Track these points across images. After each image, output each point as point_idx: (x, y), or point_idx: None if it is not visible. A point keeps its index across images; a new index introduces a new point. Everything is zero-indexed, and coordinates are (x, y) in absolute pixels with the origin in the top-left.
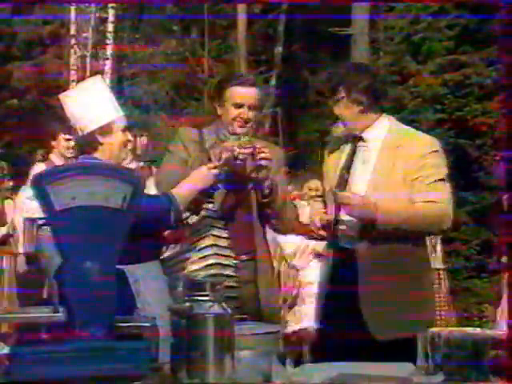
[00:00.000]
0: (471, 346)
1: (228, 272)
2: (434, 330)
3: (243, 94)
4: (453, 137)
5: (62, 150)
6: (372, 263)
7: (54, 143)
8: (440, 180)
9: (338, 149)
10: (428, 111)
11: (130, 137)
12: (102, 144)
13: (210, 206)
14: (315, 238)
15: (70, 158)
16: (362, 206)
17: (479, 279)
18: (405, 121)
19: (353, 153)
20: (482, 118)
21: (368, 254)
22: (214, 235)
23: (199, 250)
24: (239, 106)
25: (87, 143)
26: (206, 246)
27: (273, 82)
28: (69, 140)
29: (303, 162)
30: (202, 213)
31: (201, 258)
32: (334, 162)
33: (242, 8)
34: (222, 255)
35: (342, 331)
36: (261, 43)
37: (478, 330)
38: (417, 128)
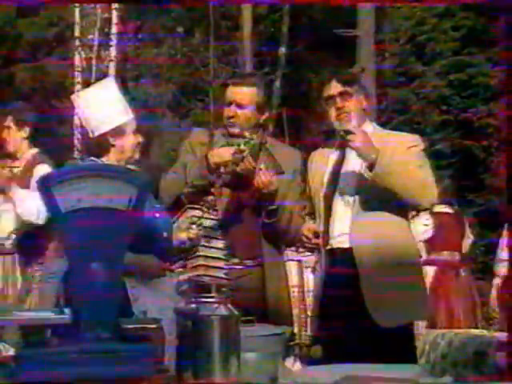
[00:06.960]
0: (475, 347)
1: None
2: (438, 331)
3: (232, 92)
4: (458, 138)
5: None
6: (366, 258)
7: None
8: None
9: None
10: (433, 112)
11: (140, 139)
12: (114, 146)
13: (212, 215)
14: (307, 249)
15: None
16: (367, 141)
17: (485, 281)
18: (410, 122)
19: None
20: (488, 119)
21: (361, 252)
22: (204, 246)
23: (190, 258)
24: (228, 104)
25: (99, 145)
26: (196, 256)
27: (277, 82)
28: None
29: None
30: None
31: (191, 268)
32: (321, 159)
33: (246, 9)
34: (212, 267)
35: (344, 321)
36: (265, 44)
37: (483, 331)
38: (422, 129)
